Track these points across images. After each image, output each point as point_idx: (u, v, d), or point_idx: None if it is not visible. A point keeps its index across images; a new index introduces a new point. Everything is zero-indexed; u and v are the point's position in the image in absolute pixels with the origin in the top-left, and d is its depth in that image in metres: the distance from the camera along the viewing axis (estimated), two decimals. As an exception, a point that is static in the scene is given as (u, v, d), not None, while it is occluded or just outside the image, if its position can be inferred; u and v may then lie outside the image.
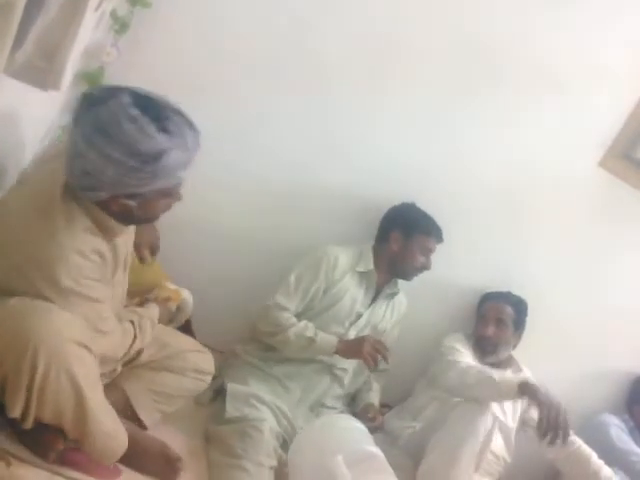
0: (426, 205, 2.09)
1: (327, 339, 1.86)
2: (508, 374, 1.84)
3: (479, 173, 2.22)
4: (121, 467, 1.38)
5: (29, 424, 1.22)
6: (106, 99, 1.15)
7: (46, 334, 1.16)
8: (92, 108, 1.15)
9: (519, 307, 2.21)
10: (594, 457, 1.99)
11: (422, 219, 2.05)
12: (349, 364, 1.99)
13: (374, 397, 2.08)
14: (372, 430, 1.88)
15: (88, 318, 1.26)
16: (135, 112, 1.14)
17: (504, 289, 2.24)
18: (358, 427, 1.70)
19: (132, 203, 1.23)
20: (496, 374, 1.79)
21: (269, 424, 1.67)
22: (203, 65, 2.00)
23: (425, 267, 2.05)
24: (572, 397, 2.38)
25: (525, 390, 1.70)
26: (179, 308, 1.70)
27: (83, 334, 1.23)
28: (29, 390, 1.17)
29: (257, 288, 2.05)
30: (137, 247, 1.58)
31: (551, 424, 1.59)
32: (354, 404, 2.08)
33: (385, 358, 1.84)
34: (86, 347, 1.23)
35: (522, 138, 2.21)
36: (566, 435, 1.61)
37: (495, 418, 1.78)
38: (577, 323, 2.40)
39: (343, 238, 2.08)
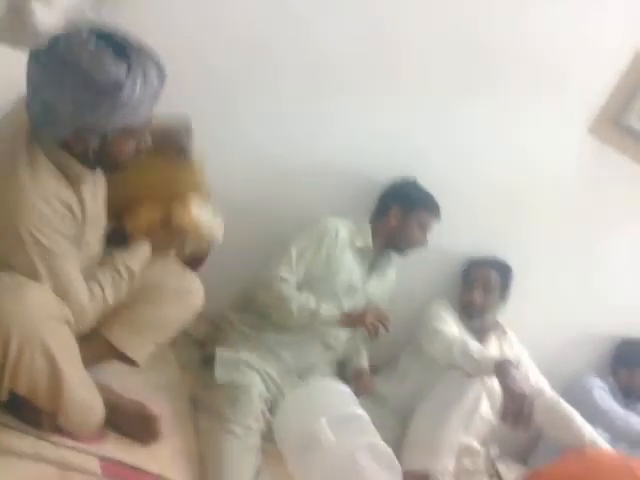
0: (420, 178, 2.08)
1: (330, 311, 1.87)
2: (489, 351, 1.86)
3: (471, 144, 2.20)
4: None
5: (3, 397, 1.21)
6: (66, 35, 1.13)
7: (18, 313, 1.14)
8: (51, 44, 1.13)
9: (504, 272, 2.22)
10: (577, 418, 2.02)
11: (422, 195, 2.05)
12: (342, 332, 2.00)
13: (363, 361, 2.11)
14: (363, 394, 1.90)
15: (52, 277, 1.22)
16: (94, 43, 1.11)
17: (490, 255, 2.25)
18: (343, 390, 1.72)
19: (94, 141, 1.20)
20: (477, 351, 1.81)
21: (258, 389, 1.68)
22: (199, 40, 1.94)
23: (422, 243, 2.05)
24: (558, 360, 2.45)
25: (498, 372, 1.71)
26: (198, 243, 1.54)
27: (57, 306, 1.21)
28: (2, 366, 1.16)
29: (253, 259, 2.03)
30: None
31: (514, 412, 1.60)
32: (343, 369, 2.10)
33: (386, 328, 1.86)
34: (61, 319, 1.21)
35: (511, 105, 2.19)
36: (527, 425, 1.61)
37: (483, 382, 1.80)
38: (563, 288, 2.42)
39: (341, 212, 2.06)
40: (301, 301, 1.83)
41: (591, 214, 2.39)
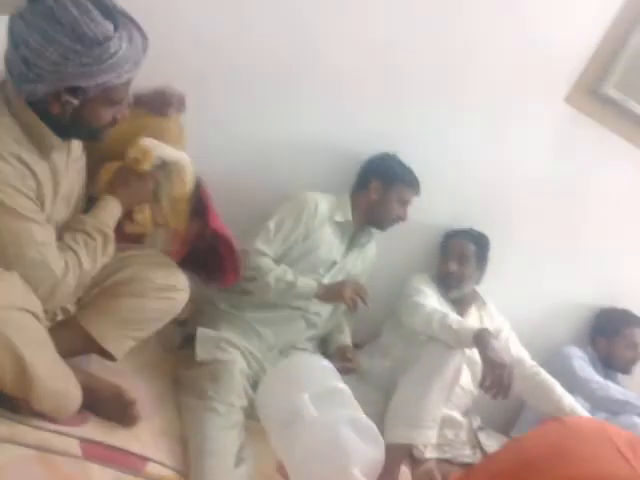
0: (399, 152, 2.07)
1: (307, 283, 1.86)
2: (468, 322, 1.87)
3: (449, 118, 2.19)
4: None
5: None
6: None
7: None
8: (30, 6, 1.12)
9: (481, 242, 2.23)
10: (557, 387, 2.05)
11: (402, 170, 2.04)
12: (324, 308, 2.00)
13: (347, 339, 2.11)
14: (347, 371, 1.91)
15: (18, 244, 1.17)
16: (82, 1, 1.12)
17: (468, 226, 2.25)
18: (324, 365, 1.72)
19: (74, 101, 1.17)
20: (456, 322, 1.82)
21: (239, 366, 1.68)
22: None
23: (401, 218, 2.05)
24: (538, 330, 2.48)
25: (477, 342, 1.73)
26: (168, 176, 1.43)
27: (22, 297, 1.17)
28: None
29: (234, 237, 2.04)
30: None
31: (494, 381, 1.62)
32: (326, 346, 2.11)
33: (365, 302, 1.86)
34: (26, 310, 1.17)
35: (492, 74, 2.17)
36: (506, 394, 1.63)
37: (463, 354, 1.82)
38: (543, 258, 2.44)
39: (321, 187, 2.04)
40: (278, 273, 1.82)
41: (570, 184, 2.40)
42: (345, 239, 2.03)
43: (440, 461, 1.97)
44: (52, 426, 1.31)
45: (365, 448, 1.45)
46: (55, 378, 1.26)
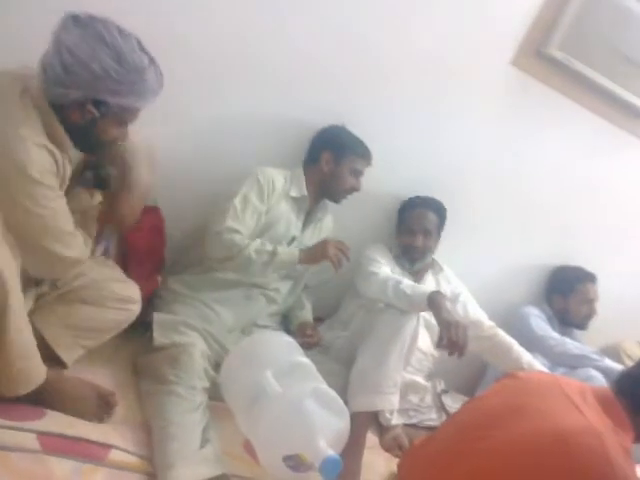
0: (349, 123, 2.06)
1: (288, 250, 1.85)
2: (421, 287, 1.90)
3: (396, 84, 2.17)
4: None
5: None
6: (100, 17, 1.30)
7: None
8: (89, 18, 1.28)
9: (441, 213, 2.24)
10: (515, 346, 2.11)
11: (353, 141, 2.03)
12: (283, 284, 1.99)
13: (308, 315, 2.12)
14: (310, 346, 1.92)
15: (61, 216, 1.33)
16: (128, 33, 1.31)
17: (423, 193, 2.26)
18: (286, 341, 1.71)
19: (95, 113, 1.32)
20: (410, 287, 1.83)
21: (199, 347, 1.66)
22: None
23: (355, 189, 2.04)
24: (495, 291, 2.53)
25: (431, 305, 1.75)
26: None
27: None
28: None
29: (189, 217, 2.01)
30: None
31: (449, 341, 1.65)
32: (287, 322, 2.11)
33: (347, 257, 1.86)
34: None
35: (436, 41, 2.16)
36: (462, 351, 1.66)
37: (419, 318, 1.84)
38: (496, 219, 2.48)
39: (274, 162, 2.01)
40: (256, 245, 1.79)
41: (519, 147, 2.43)
42: (301, 214, 2.01)
43: (407, 426, 2.01)
44: (7, 422, 1.27)
45: (330, 419, 1.45)
46: (27, 336, 1.28)
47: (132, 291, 1.58)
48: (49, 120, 1.30)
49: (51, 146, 1.29)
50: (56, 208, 1.32)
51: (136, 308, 1.58)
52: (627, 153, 2.65)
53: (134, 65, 1.29)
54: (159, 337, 1.68)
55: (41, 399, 1.36)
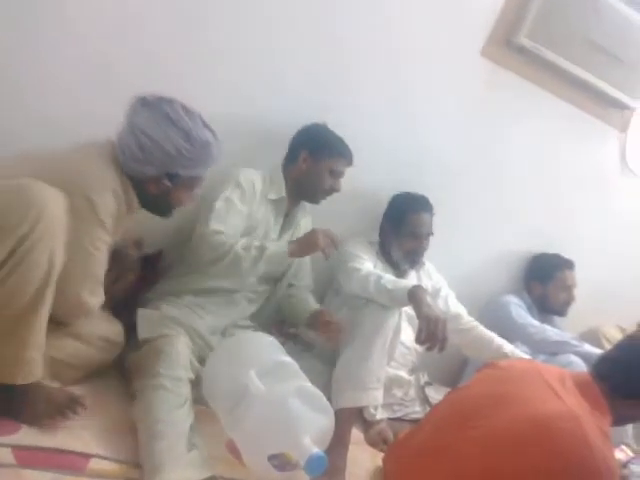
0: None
1: (277, 244, 1.79)
2: (402, 281, 1.89)
3: (371, 85, 2.18)
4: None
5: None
6: (166, 97, 1.46)
7: (51, 204, 1.22)
8: (148, 104, 1.44)
9: (432, 211, 2.22)
10: (496, 337, 2.13)
11: (332, 140, 1.98)
12: (262, 288, 1.97)
13: (313, 303, 2.03)
14: (333, 335, 1.84)
15: (102, 262, 1.44)
16: (191, 110, 1.47)
17: (401, 188, 2.25)
18: (268, 340, 1.70)
19: (169, 184, 1.49)
20: (391, 282, 1.82)
21: (184, 339, 1.64)
22: None
23: (334, 189, 1.99)
24: (474, 281, 2.55)
25: (412, 300, 1.74)
26: None
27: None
28: (11, 252, 1.18)
29: (169, 224, 1.95)
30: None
31: (429, 336, 1.65)
32: (292, 317, 2.06)
33: (336, 245, 1.78)
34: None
35: (410, 37, 2.17)
36: (443, 345, 1.66)
37: (400, 313, 1.84)
38: (473, 210, 2.49)
39: (253, 164, 1.97)
40: (243, 242, 1.73)
41: (494, 136, 2.45)
42: (280, 217, 1.98)
43: (391, 420, 2.01)
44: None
45: (314, 417, 1.44)
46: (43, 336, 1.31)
47: (118, 334, 1.62)
48: (125, 185, 1.46)
49: (120, 194, 1.43)
50: (102, 252, 1.43)
51: (118, 349, 1.63)
52: (599, 140, 2.69)
53: (201, 142, 1.46)
54: (143, 331, 1.66)
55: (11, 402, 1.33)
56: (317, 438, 1.42)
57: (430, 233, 2.17)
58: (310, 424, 1.41)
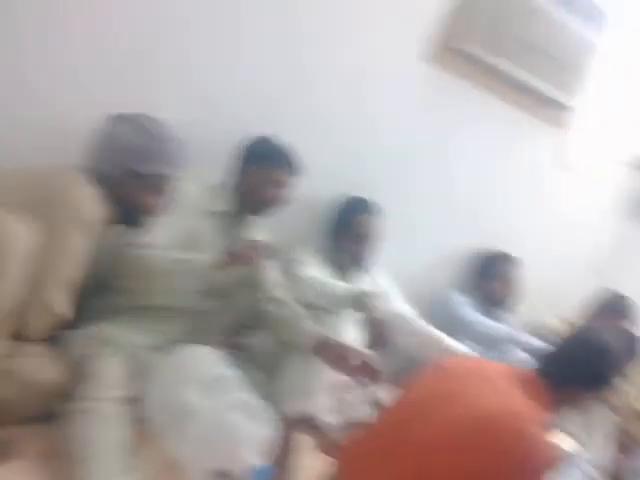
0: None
1: (199, 256, 1.70)
2: (345, 286, 1.88)
3: (315, 82, 2.16)
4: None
5: None
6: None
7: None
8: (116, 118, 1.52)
9: (379, 215, 2.23)
10: (443, 336, 2.14)
11: (272, 150, 1.91)
12: (206, 302, 1.89)
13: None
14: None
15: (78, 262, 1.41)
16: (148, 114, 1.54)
17: (348, 192, 2.25)
18: (208, 353, 1.66)
19: (134, 183, 1.51)
20: (335, 287, 1.82)
21: (110, 357, 1.55)
22: None
23: (276, 200, 1.92)
24: (422, 280, 2.57)
25: (356, 304, 1.76)
26: None
27: None
28: None
29: None
30: None
31: (374, 338, 1.66)
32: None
33: (263, 256, 1.72)
34: None
35: (345, 40, 2.17)
36: (386, 347, 1.69)
37: (345, 315, 1.83)
38: (420, 211, 2.53)
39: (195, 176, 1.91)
40: (161, 254, 1.66)
41: (438, 138, 2.48)
42: (227, 231, 1.90)
43: (342, 424, 2.00)
44: None
45: (256, 428, 1.43)
46: None
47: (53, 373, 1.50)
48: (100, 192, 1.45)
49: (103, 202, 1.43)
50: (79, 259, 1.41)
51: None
52: (540, 139, 2.75)
53: (155, 136, 1.50)
54: (68, 353, 1.57)
55: None
56: (258, 448, 1.40)
57: (376, 236, 2.16)
58: (252, 436, 1.40)
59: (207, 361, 1.62)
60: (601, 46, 2.70)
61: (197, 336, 1.90)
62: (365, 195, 2.27)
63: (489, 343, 2.44)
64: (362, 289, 1.81)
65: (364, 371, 1.76)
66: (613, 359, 1.46)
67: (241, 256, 1.68)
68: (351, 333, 1.95)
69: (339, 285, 1.84)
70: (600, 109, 2.85)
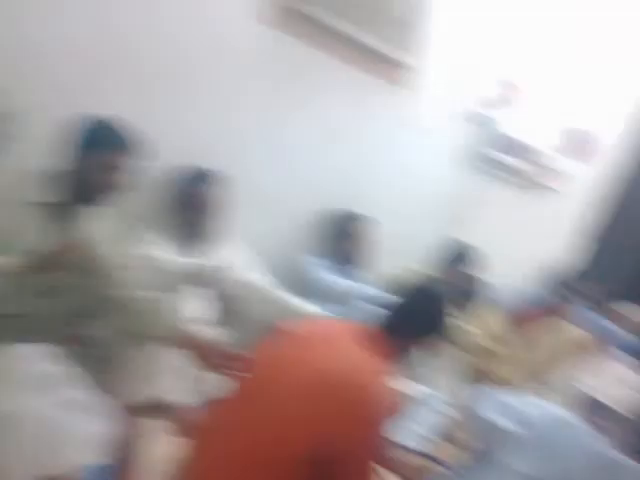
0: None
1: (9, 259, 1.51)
2: (183, 261, 1.80)
3: (136, 52, 2.03)
4: None
5: None
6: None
7: None
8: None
9: (217, 184, 2.16)
10: (296, 300, 2.14)
11: (102, 133, 1.71)
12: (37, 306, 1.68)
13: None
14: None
15: None
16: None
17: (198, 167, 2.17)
18: (30, 351, 1.51)
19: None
20: (173, 264, 1.75)
21: None
22: None
23: (112, 185, 1.74)
24: (272, 246, 2.58)
25: (197, 279, 1.74)
26: None
27: None
28: None
29: None
30: None
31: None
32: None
33: (75, 256, 1.60)
34: None
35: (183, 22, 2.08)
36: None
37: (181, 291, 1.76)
38: (268, 178, 2.50)
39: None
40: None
41: (284, 104, 2.45)
42: (57, 224, 1.69)
43: (196, 403, 1.93)
44: None
45: (84, 425, 1.34)
46: None
47: None
48: None
49: None
50: None
51: None
52: (381, 98, 2.80)
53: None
54: None
55: None
56: (94, 447, 1.30)
57: (217, 207, 2.12)
58: (81, 434, 1.30)
59: (30, 359, 1.48)
60: (439, 4, 2.78)
61: (30, 337, 1.72)
62: (205, 166, 2.19)
63: (340, 300, 2.49)
64: (200, 264, 1.74)
65: (227, 365, 1.75)
66: (440, 306, 1.60)
67: (62, 259, 1.56)
68: (193, 310, 1.88)
69: (176, 262, 1.75)
70: (440, 67, 2.94)
